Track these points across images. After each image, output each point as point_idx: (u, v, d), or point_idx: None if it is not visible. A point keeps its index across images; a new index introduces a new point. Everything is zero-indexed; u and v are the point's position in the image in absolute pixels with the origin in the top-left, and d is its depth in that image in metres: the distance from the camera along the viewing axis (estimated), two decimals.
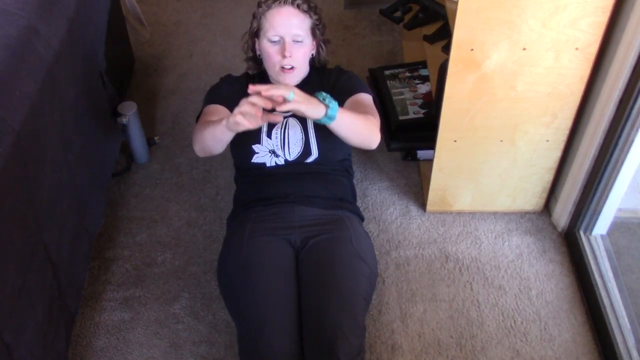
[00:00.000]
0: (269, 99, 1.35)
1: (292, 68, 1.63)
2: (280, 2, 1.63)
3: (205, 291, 1.86)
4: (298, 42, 1.62)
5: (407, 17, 2.48)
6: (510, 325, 1.76)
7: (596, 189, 1.80)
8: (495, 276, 1.89)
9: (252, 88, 1.36)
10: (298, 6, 1.63)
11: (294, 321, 1.46)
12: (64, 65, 1.62)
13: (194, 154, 2.29)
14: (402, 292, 1.85)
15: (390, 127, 2.16)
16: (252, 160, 1.69)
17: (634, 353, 1.63)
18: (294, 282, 1.54)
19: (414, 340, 1.73)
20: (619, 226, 1.97)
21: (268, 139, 1.67)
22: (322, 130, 1.61)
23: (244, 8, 3.04)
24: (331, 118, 1.44)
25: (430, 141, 1.92)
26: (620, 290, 1.78)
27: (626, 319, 1.71)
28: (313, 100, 1.41)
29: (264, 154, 1.68)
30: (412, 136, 2.15)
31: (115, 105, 2.13)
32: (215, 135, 1.51)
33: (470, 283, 1.87)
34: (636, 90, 1.57)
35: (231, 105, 1.61)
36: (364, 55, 2.73)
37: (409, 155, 2.23)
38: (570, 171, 1.89)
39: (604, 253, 1.88)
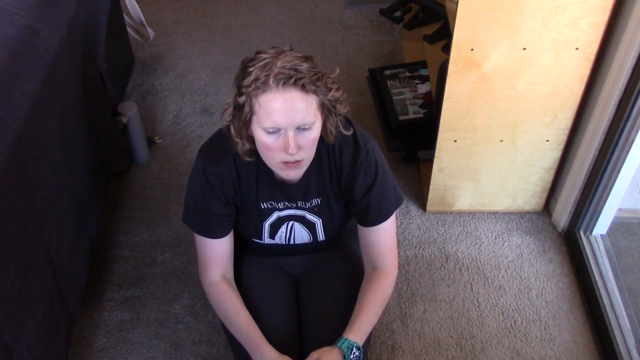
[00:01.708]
0: None
1: (297, 162, 1.25)
2: (278, 83, 1.15)
3: None
4: (305, 129, 1.21)
5: (407, 17, 2.48)
6: (510, 325, 1.76)
7: (596, 189, 1.80)
8: (495, 276, 1.89)
9: None
10: (303, 86, 1.16)
11: (296, 352, 1.42)
12: (64, 65, 1.61)
13: (193, 154, 2.29)
14: (402, 292, 1.85)
15: (390, 127, 2.16)
16: (255, 242, 1.52)
17: (634, 353, 1.63)
18: (294, 310, 1.49)
19: (414, 340, 1.73)
20: (619, 226, 1.97)
21: (271, 240, 1.47)
22: (331, 229, 1.47)
23: (244, 8, 3.04)
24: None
25: (430, 141, 1.92)
26: (620, 290, 1.78)
27: (626, 319, 1.71)
28: None
29: (265, 243, 1.50)
30: (412, 136, 2.15)
31: (115, 105, 2.13)
32: (240, 342, 1.40)
33: (470, 283, 1.87)
34: (636, 90, 1.57)
35: (229, 220, 1.41)
36: (364, 55, 2.73)
37: (409, 155, 2.23)
38: (570, 171, 1.89)
39: (604, 253, 1.88)
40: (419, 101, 2.20)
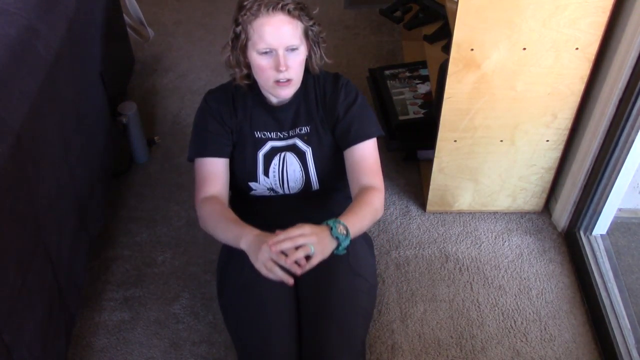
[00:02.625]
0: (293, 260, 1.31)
1: (288, 80, 1.46)
2: (268, 8, 1.40)
3: (205, 291, 1.86)
4: (293, 50, 1.44)
5: (407, 17, 2.48)
6: (510, 325, 1.76)
7: (596, 189, 1.80)
8: (495, 276, 1.89)
9: (274, 248, 1.30)
10: (289, 12, 1.42)
11: (295, 342, 1.43)
12: (64, 65, 1.62)
13: None
14: (402, 292, 1.85)
15: (390, 127, 2.16)
16: (250, 194, 1.61)
17: (634, 353, 1.63)
18: (293, 302, 1.50)
19: (414, 340, 1.73)
20: (619, 226, 1.97)
21: (265, 178, 1.58)
22: (322, 163, 1.57)
23: None
24: (344, 249, 1.39)
25: (430, 141, 1.92)
26: (620, 290, 1.78)
27: (626, 319, 1.71)
28: (327, 242, 1.36)
29: (262, 191, 1.60)
30: (412, 136, 2.15)
31: (115, 105, 2.13)
32: (228, 241, 1.46)
33: (470, 283, 1.87)
34: (636, 90, 1.57)
35: (224, 143, 1.53)
36: (364, 55, 2.73)
37: (409, 155, 2.23)
38: (570, 171, 1.89)
39: (604, 253, 1.88)
40: (419, 101, 2.21)
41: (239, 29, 1.44)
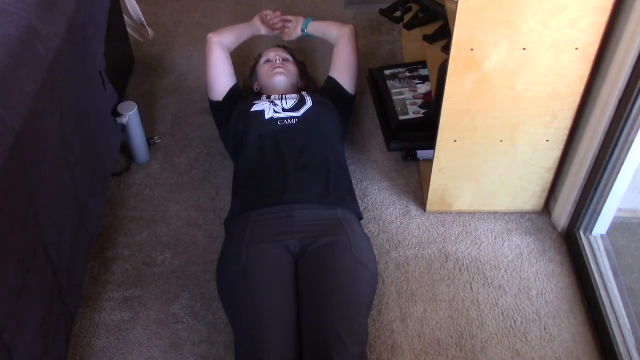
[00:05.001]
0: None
1: (281, 65, 2.10)
2: (272, 47, 2.25)
3: (205, 291, 1.86)
4: (286, 59, 2.16)
5: (407, 17, 2.47)
6: (510, 325, 1.76)
7: (596, 189, 1.80)
8: (495, 276, 1.89)
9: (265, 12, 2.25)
10: (285, 48, 2.25)
11: (293, 329, 1.45)
12: (64, 65, 1.61)
13: (194, 154, 2.30)
14: (402, 292, 1.85)
15: (390, 127, 2.16)
16: (252, 110, 1.94)
17: (634, 353, 1.63)
18: (293, 289, 1.53)
19: (414, 340, 1.73)
20: (619, 226, 1.97)
21: (267, 97, 2.02)
22: (312, 94, 2.04)
23: (243, 8, 3.04)
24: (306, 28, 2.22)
25: (430, 141, 1.92)
26: (620, 290, 1.78)
27: (626, 319, 1.71)
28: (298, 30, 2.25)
29: (263, 103, 1.96)
30: (412, 136, 2.15)
31: (115, 105, 2.13)
32: (243, 29, 2.24)
33: (470, 283, 1.87)
34: (636, 90, 1.57)
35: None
36: (364, 55, 2.72)
37: (409, 155, 2.23)
38: (570, 171, 1.89)
39: (604, 253, 1.88)
40: (419, 101, 2.20)
41: (255, 65, 2.23)
